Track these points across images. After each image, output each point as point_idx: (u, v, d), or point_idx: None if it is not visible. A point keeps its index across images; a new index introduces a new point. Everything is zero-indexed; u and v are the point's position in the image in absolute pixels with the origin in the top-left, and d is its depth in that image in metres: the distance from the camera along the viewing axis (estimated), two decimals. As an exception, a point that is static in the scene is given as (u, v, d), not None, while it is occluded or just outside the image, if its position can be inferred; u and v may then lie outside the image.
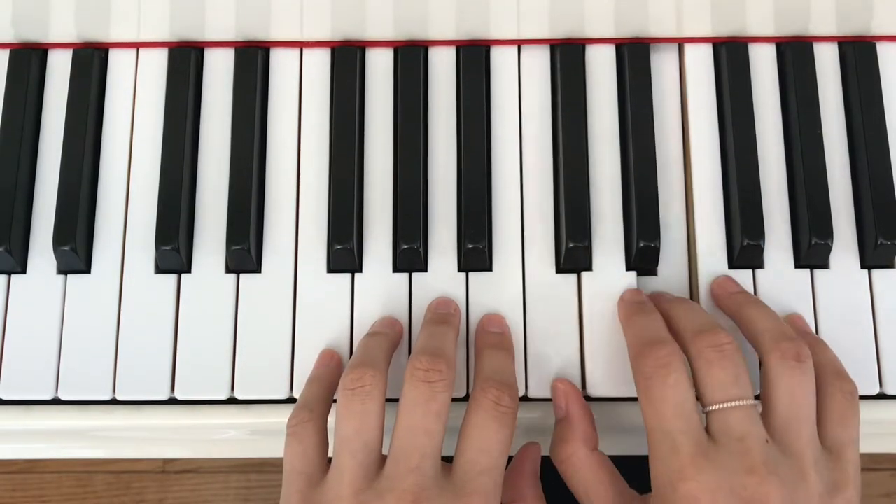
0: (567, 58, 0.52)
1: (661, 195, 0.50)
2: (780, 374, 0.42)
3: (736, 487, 0.40)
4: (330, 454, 0.44)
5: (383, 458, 0.43)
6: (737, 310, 0.47)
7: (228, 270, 0.50)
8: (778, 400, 0.42)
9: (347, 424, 0.42)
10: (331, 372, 0.47)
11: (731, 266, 0.49)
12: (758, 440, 0.41)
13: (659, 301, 0.48)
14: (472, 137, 0.51)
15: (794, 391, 0.42)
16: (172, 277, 0.49)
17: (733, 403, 0.41)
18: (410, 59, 0.52)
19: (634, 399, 0.47)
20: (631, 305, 0.48)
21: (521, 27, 0.52)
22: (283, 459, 0.44)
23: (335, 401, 0.46)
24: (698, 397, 0.43)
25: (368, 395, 0.42)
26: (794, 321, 0.48)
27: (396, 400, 0.44)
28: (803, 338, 0.45)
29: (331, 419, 0.45)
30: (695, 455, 0.40)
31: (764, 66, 0.53)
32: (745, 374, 0.42)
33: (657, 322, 0.46)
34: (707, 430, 0.42)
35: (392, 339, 0.47)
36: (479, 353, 0.47)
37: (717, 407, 0.42)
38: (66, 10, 0.51)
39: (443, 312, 0.48)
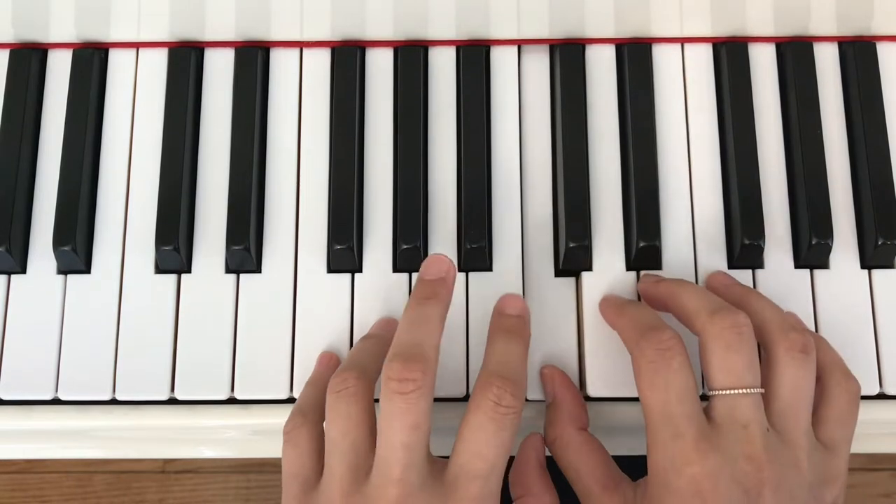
0: (567, 58, 0.52)
1: (661, 195, 0.50)
2: (787, 365, 0.42)
3: (736, 474, 0.40)
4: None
5: None
6: (738, 301, 0.46)
7: (228, 270, 0.50)
8: (781, 388, 0.42)
9: (334, 427, 0.42)
10: (327, 375, 0.47)
11: (731, 266, 0.49)
12: (761, 428, 0.41)
13: (658, 285, 0.47)
14: (472, 137, 0.51)
15: (798, 382, 0.42)
16: (172, 277, 0.49)
17: (745, 391, 0.41)
18: (410, 59, 0.52)
19: (633, 399, 0.47)
20: (617, 301, 0.48)
21: (521, 27, 0.52)
22: (282, 463, 0.45)
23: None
24: (706, 378, 0.43)
25: (353, 397, 0.42)
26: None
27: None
28: None
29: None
30: (698, 440, 0.40)
31: (764, 66, 0.53)
32: (757, 360, 0.42)
33: (650, 310, 0.46)
34: (708, 411, 0.42)
35: (387, 341, 0.46)
36: (490, 338, 0.45)
37: (728, 392, 0.41)
38: (66, 10, 0.51)
39: (430, 280, 0.44)
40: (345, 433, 0.42)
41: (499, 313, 0.46)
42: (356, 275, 0.49)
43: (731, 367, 0.41)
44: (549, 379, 0.47)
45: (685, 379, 0.41)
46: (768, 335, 0.43)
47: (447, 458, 0.42)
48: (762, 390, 0.42)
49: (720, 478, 0.40)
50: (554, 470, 0.46)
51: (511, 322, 0.46)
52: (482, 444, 0.41)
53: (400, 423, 0.40)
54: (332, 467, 0.42)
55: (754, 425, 0.41)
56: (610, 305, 0.48)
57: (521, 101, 0.52)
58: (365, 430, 0.42)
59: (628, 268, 0.49)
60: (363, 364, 0.44)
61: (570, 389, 0.47)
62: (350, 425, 0.42)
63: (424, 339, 0.42)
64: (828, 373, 0.44)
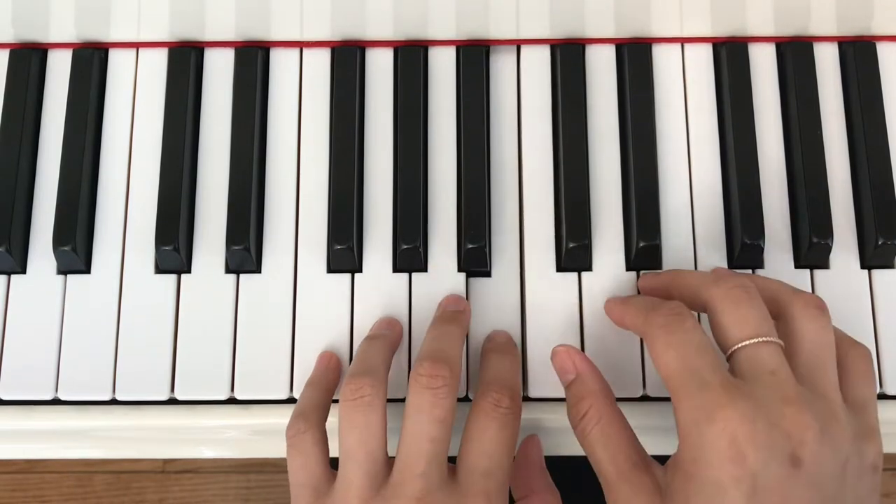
0: (567, 58, 0.52)
1: (661, 195, 0.50)
2: (805, 322, 0.41)
3: (773, 417, 0.37)
4: (335, 454, 0.44)
5: (391, 461, 0.43)
6: None
7: (228, 270, 0.50)
8: (804, 343, 0.41)
9: (350, 436, 0.42)
10: (328, 375, 0.47)
11: (731, 266, 0.49)
12: (789, 374, 0.39)
13: (658, 275, 0.47)
14: (472, 137, 0.51)
15: (820, 336, 0.41)
16: (172, 277, 0.49)
17: (763, 339, 0.40)
18: (410, 59, 0.52)
19: (634, 399, 0.47)
20: (620, 297, 0.47)
21: (520, 27, 0.52)
22: (288, 471, 0.45)
23: (335, 400, 0.46)
24: (721, 340, 0.41)
25: (369, 406, 0.42)
26: None
27: (398, 400, 0.44)
28: None
29: (333, 419, 0.45)
30: (726, 386, 0.38)
31: (764, 66, 0.53)
32: (769, 316, 0.41)
33: (654, 298, 0.45)
34: (731, 371, 0.40)
35: (391, 341, 0.47)
36: (483, 357, 0.47)
37: (747, 343, 0.40)
38: (66, 10, 0.51)
39: (452, 310, 0.48)
40: (362, 442, 0.42)
41: (489, 338, 0.48)
42: (356, 275, 0.49)
43: (745, 319, 0.40)
44: (567, 355, 0.45)
45: (701, 336, 0.40)
46: (780, 301, 0.42)
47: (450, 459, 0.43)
48: (781, 342, 0.40)
49: (756, 420, 0.37)
50: (554, 471, 0.47)
51: (501, 342, 0.47)
52: (487, 443, 0.42)
53: (428, 415, 0.41)
54: (348, 475, 0.42)
55: (782, 371, 0.39)
56: (615, 304, 0.47)
57: (520, 101, 0.52)
58: (382, 439, 0.43)
59: (628, 268, 0.49)
60: (374, 367, 0.44)
61: (592, 363, 0.45)
62: (367, 435, 0.42)
63: (450, 348, 0.44)
64: (838, 345, 0.43)
